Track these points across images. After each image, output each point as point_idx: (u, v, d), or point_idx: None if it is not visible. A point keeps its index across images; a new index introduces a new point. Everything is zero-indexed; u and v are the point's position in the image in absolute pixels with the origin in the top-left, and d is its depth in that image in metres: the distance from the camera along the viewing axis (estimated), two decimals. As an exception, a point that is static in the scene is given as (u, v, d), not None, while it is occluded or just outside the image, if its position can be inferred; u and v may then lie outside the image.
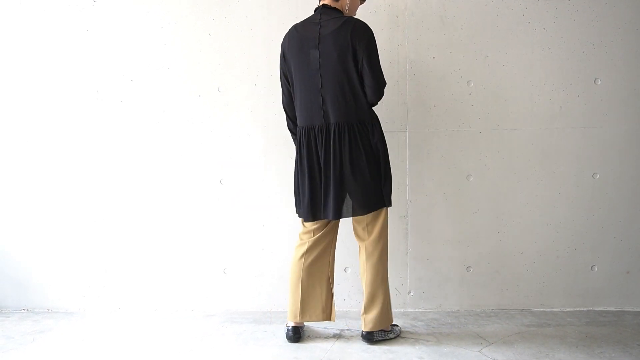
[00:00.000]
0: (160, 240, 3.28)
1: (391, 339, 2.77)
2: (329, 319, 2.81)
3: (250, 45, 3.21)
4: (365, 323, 2.73)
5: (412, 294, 3.26)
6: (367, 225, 2.73)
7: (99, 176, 3.27)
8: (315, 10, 2.73)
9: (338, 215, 2.65)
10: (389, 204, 2.71)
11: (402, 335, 2.85)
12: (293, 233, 3.20)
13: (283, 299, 3.25)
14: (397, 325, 2.86)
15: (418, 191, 3.22)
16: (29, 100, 3.26)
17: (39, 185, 3.28)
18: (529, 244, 3.24)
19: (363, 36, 2.58)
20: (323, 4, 2.71)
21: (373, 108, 2.70)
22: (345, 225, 2.98)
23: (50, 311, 3.31)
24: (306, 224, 2.78)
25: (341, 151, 2.61)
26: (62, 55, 3.25)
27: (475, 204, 3.23)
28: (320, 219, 2.70)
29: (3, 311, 3.32)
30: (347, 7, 2.72)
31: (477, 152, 3.21)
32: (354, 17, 2.73)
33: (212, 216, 3.27)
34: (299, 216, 2.75)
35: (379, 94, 2.64)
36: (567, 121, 3.19)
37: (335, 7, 2.70)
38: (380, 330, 2.73)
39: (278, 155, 3.22)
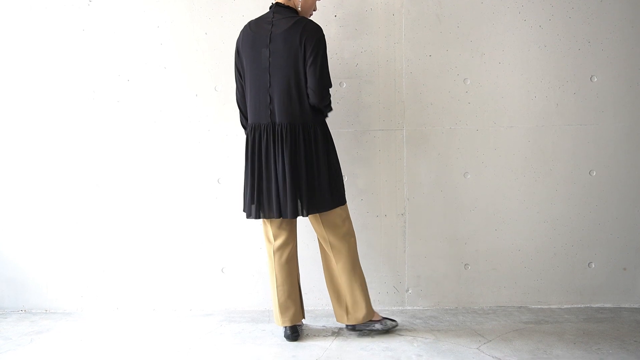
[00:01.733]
0: (158, 239, 3.28)
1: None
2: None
3: (246, 44, 3.20)
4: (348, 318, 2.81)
5: (410, 291, 3.27)
6: (324, 226, 2.75)
7: (96, 176, 3.27)
8: (269, 8, 2.72)
9: (279, 214, 2.65)
10: (338, 204, 2.70)
11: (400, 332, 2.86)
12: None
13: (281, 298, 3.25)
14: (389, 320, 2.87)
15: (415, 189, 3.23)
16: (26, 100, 3.25)
17: (35, 185, 3.28)
18: (526, 241, 3.25)
19: (313, 37, 2.58)
20: (277, 2, 2.71)
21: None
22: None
23: (48, 312, 3.31)
24: (267, 222, 2.78)
25: (282, 151, 2.62)
26: (59, 55, 3.24)
27: (473, 201, 3.24)
28: (265, 217, 2.70)
29: (0, 312, 3.32)
30: (299, 7, 2.71)
31: (474, 150, 3.22)
32: (307, 17, 2.74)
33: (210, 215, 3.26)
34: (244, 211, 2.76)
35: (320, 97, 2.60)
36: (563, 118, 3.20)
37: (288, 6, 2.69)
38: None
39: (275, 154, 3.22)
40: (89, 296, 3.31)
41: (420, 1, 3.17)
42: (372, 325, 2.82)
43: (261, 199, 2.68)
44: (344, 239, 2.75)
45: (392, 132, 3.21)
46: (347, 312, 2.79)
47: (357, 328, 2.83)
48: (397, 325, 2.87)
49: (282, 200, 2.63)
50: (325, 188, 2.67)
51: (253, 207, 2.69)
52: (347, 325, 2.85)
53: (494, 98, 3.20)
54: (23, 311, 3.33)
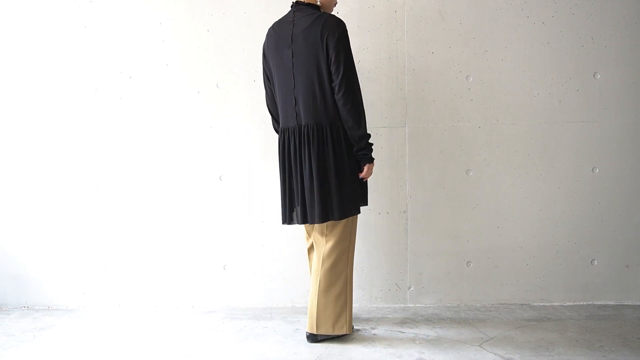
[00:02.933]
0: (160, 236, 3.28)
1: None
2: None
3: (248, 41, 3.20)
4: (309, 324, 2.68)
5: (412, 289, 3.27)
6: (324, 234, 2.66)
7: (98, 173, 3.27)
8: (290, 7, 2.66)
9: (304, 220, 2.59)
10: (353, 213, 2.61)
11: (402, 330, 2.86)
12: (293, 229, 3.21)
13: (283, 295, 3.26)
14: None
15: (418, 186, 3.22)
16: (28, 97, 3.26)
17: (37, 182, 3.28)
18: (529, 239, 3.24)
19: (334, 31, 2.47)
20: (297, 1, 2.63)
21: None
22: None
23: (50, 308, 3.31)
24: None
25: (309, 154, 2.53)
26: (61, 52, 3.24)
27: (475, 198, 3.23)
28: (292, 222, 2.64)
29: (3, 309, 3.32)
30: (318, 1, 2.62)
31: (476, 147, 3.21)
32: (329, 12, 2.63)
33: (212, 213, 3.26)
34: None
35: (346, 96, 2.48)
36: (566, 115, 3.19)
37: (309, 3, 2.61)
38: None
39: (277, 151, 3.20)
40: (91, 293, 3.32)
41: (422, -2, 3.17)
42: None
43: (292, 204, 2.62)
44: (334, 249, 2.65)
45: (394, 130, 3.20)
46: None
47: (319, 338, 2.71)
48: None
49: (309, 205, 2.55)
50: (354, 191, 2.59)
51: (286, 212, 2.63)
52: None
53: (497, 95, 3.19)
54: (26, 308, 3.33)
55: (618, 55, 3.16)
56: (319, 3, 2.62)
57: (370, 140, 2.66)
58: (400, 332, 2.84)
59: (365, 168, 2.60)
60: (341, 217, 2.56)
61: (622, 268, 3.24)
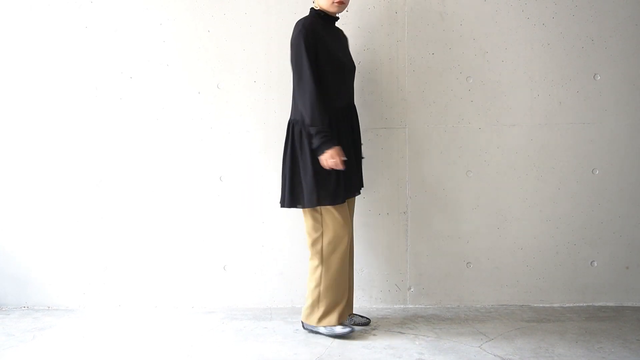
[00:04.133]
0: (160, 237, 3.28)
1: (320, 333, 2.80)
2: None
3: (249, 42, 3.20)
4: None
5: (412, 290, 3.27)
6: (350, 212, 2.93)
7: (98, 173, 3.27)
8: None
9: (358, 189, 2.93)
10: (304, 205, 2.70)
11: (402, 331, 2.86)
12: (293, 230, 3.21)
13: (283, 296, 3.26)
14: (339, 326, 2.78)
15: (418, 187, 3.22)
16: (28, 97, 3.26)
17: (38, 182, 3.28)
18: (529, 240, 3.24)
19: (293, 33, 2.68)
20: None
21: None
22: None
23: (50, 308, 3.31)
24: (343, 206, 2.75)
25: (283, 150, 2.81)
26: (61, 52, 3.24)
27: (475, 200, 3.23)
28: (349, 196, 2.86)
29: (3, 309, 3.32)
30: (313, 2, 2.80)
31: (476, 148, 3.21)
32: (325, 9, 2.72)
33: (212, 213, 3.27)
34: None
35: (296, 95, 2.69)
36: (566, 117, 3.19)
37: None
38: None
39: (278, 151, 3.19)
40: (91, 293, 3.32)
41: (423, -1, 3.17)
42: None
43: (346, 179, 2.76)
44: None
45: (394, 131, 3.20)
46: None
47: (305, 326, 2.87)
48: (346, 334, 2.77)
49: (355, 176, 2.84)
50: (307, 183, 2.71)
51: (339, 190, 2.69)
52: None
53: (497, 96, 3.19)
54: (26, 308, 3.33)
55: (618, 56, 3.17)
56: (313, 4, 2.77)
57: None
58: (400, 332, 2.84)
59: (320, 159, 2.63)
60: (290, 205, 2.76)
61: (622, 269, 3.24)
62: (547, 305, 3.25)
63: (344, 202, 2.73)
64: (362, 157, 2.95)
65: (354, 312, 2.99)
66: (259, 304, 3.28)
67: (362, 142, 2.98)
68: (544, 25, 3.17)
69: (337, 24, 2.86)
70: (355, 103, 2.92)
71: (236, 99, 3.23)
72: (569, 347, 2.62)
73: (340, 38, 2.89)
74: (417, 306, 3.27)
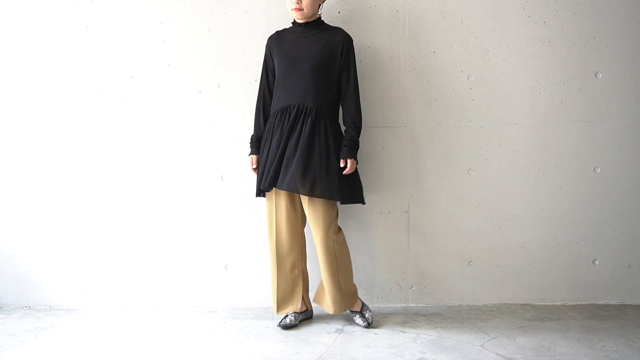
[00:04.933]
0: (162, 236, 3.28)
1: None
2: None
3: (250, 41, 3.20)
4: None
5: (414, 288, 3.26)
6: None
7: (99, 173, 3.27)
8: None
9: None
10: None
11: (404, 329, 2.86)
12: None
13: (284, 295, 3.25)
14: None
15: (419, 186, 3.22)
16: (29, 97, 3.25)
17: (39, 182, 3.28)
18: (530, 238, 3.24)
19: None
20: None
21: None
22: (352, 220, 3.00)
23: (52, 308, 3.31)
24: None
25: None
26: (62, 52, 3.24)
27: (477, 198, 3.23)
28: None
29: (5, 309, 3.32)
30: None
31: (478, 147, 3.21)
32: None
33: (214, 212, 3.26)
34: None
35: None
36: (568, 115, 3.19)
37: None
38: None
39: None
40: (93, 293, 3.32)
41: (424, -3, 3.17)
42: None
43: None
44: None
45: (395, 129, 3.20)
46: None
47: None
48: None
49: None
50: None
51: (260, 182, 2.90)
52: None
53: (498, 95, 3.19)
54: (27, 307, 3.33)
55: (620, 55, 3.16)
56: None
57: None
58: (402, 331, 2.84)
59: None
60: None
61: (624, 268, 3.24)
62: (549, 303, 3.25)
63: (261, 195, 2.92)
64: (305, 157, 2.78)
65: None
66: (260, 303, 3.28)
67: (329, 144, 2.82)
68: (545, 23, 3.16)
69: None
70: (317, 103, 2.82)
71: (237, 98, 3.22)
72: (571, 346, 2.62)
73: (317, 41, 2.86)
74: (418, 305, 3.27)
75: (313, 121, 2.79)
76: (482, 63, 3.18)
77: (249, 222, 3.26)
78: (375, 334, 2.82)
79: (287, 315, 2.94)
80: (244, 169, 3.22)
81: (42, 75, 3.25)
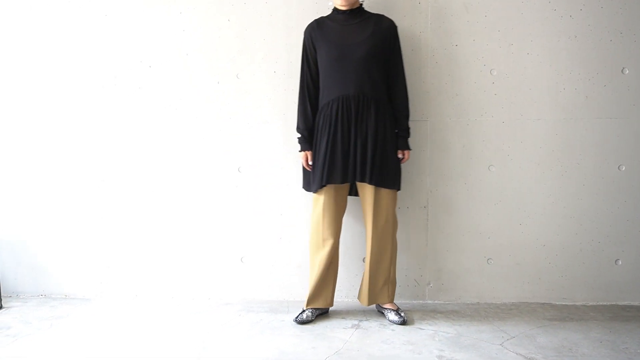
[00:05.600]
0: (178, 227, 3.26)
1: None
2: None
3: (269, 32, 3.16)
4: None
5: (431, 285, 3.22)
6: None
7: (117, 163, 3.25)
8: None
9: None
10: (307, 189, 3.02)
11: (421, 326, 2.81)
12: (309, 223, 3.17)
13: (300, 289, 3.22)
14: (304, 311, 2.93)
15: (438, 181, 3.16)
16: (48, 87, 3.24)
17: (56, 172, 3.27)
18: (552, 236, 3.17)
19: None
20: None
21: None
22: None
23: (67, 297, 3.31)
24: None
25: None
26: (81, 41, 3.22)
27: (497, 194, 3.17)
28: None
29: (21, 297, 3.32)
30: None
31: (499, 142, 3.15)
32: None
33: (230, 204, 3.24)
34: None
35: None
36: (592, 111, 3.12)
37: None
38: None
39: (297, 143, 3.16)
40: (108, 283, 3.31)
41: (447, -11, 3.11)
42: None
43: None
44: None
45: (416, 123, 3.13)
46: None
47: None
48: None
49: None
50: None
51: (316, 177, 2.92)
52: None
53: (521, 89, 3.12)
54: (43, 296, 3.33)
55: (647, 50, 3.08)
56: None
57: (298, 135, 2.97)
58: (419, 328, 2.80)
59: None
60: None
61: (648, 268, 3.17)
62: (570, 303, 3.18)
63: (317, 190, 2.87)
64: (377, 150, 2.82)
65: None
66: (276, 296, 3.25)
67: (387, 134, 2.85)
68: (571, 17, 3.09)
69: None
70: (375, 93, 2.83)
71: (256, 89, 3.19)
72: (594, 347, 2.56)
73: (364, 28, 2.84)
74: (435, 302, 3.22)
75: (376, 110, 2.80)
76: (506, 57, 3.11)
77: (266, 214, 3.23)
78: (393, 330, 2.78)
79: (304, 311, 2.91)
80: (260, 161, 3.20)
81: (62, 64, 3.23)
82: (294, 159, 3.18)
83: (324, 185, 2.82)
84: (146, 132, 3.24)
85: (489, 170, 3.16)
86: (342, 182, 2.82)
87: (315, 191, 2.88)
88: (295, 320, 2.87)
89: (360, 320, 2.90)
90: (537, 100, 3.12)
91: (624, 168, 3.13)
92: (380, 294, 2.94)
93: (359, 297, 3.02)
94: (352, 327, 2.82)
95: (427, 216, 3.19)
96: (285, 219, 3.22)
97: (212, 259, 3.26)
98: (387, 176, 2.82)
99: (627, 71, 3.09)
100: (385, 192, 2.85)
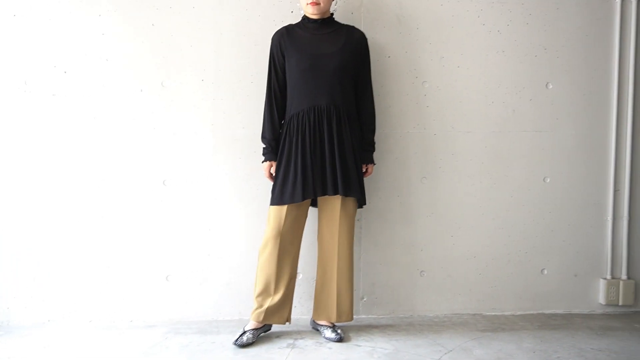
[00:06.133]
0: (96, 245, 3.02)
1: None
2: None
3: (197, 38, 3.01)
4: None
5: (365, 299, 3.16)
6: None
7: (27, 176, 2.98)
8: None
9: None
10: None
11: (358, 343, 2.74)
12: (242, 237, 3.06)
13: (230, 307, 3.08)
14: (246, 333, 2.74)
15: (372, 194, 3.11)
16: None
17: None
18: (482, 248, 3.21)
19: None
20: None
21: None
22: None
23: (-31, 325, 2.98)
24: None
25: None
26: (-14, 42, 2.93)
27: (429, 207, 3.17)
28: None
29: None
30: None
31: (431, 154, 3.15)
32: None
33: (154, 219, 3.04)
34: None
35: None
36: (519, 124, 3.19)
37: None
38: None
39: (226, 154, 3.04)
40: (17, 307, 3.01)
41: (379, 1, 3.08)
42: None
43: None
44: None
45: (349, 135, 3.09)
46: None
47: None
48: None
49: None
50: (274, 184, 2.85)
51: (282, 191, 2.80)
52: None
53: (453, 102, 3.15)
54: (-61, 325, 2.98)
55: (569, 66, 3.19)
56: None
57: (263, 145, 2.84)
58: (356, 345, 2.73)
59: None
60: None
61: (571, 277, 3.27)
62: (499, 313, 3.23)
63: (284, 204, 2.72)
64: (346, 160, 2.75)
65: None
66: (204, 316, 3.08)
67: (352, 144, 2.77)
68: (499, 32, 3.15)
69: (289, 22, 2.84)
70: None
71: (182, 98, 3.02)
72: (528, 358, 2.59)
73: (336, 39, 2.78)
74: (369, 316, 3.16)
75: (348, 122, 2.74)
76: (437, 70, 3.13)
77: (193, 230, 3.06)
78: (329, 348, 2.69)
79: (244, 333, 2.72)
80: (187, 174, 3.03)
81: (-37, 66, 2.93)
82: (223, 172, 3.04)
83: (301, 200, 2.70)
84: (61, 143, 2.98)
85: (422, 182, 3.16)
86: (317, 196, 2.73)
87: (278, 204, 2.72)
88: (235, 343, 2.68)
89: (295, 339, 2.79)
90: (467, 113, 3.16)
91: (548, 180, 3.22)
92: (348, 309, 2.85)
93: (317, 317, 2.88)
94: (287, 346, 2.70)
95: (360, 229, 3.14)
96: (214, 235, 3.07)
97: (134, 278, 3.05)
98: (356, 189, 2.77)
99: (551, 86, 3.19)
100: (351, 207, 2.81)
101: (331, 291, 2.82)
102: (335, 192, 2.71)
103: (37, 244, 3.00)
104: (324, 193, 2.73)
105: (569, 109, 3.21)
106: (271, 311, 2.74)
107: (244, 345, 2.67)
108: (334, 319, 2.83)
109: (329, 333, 2.79)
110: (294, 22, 2.88)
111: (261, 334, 2.79)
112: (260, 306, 2.74)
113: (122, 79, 3.00)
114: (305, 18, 2.81)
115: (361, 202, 2.84)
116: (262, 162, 2.83)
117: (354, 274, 2.89)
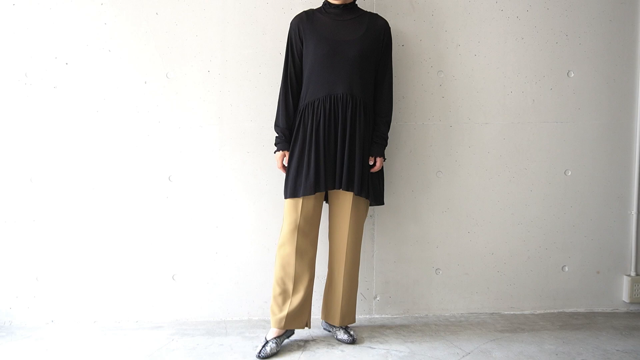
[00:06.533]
0: (101, 243, 2.92)
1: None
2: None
3: (203, 28, 2.89)
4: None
5: (378, 298, 3.05)
6: None
7: (29, 172, 2.88)
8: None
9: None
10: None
11: (372, 345, 2.63)
12: (251, 234, 2.95)
13: (239, 307, 2.98)
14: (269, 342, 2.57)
15: (385, 189, 2.98)
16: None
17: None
18: (500, 244, 3.08)
19: None
20: None
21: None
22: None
23: (-30, 326, 2.90)
24: None
25: None
26: (-16, 33, 2.83)
27: (445, 202, 3.04)
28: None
29: None
30: None
31: (447, 147, 3.02)
32: None
33: (160, 217, 2.94)
34: None
35: None
36: (539, 115, 3.05)
37: None
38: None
39: (234, 148, 2.92)
40: (19, 307, 2.92)
41: (392, -14, 2.95)
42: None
43: None
44: None
45: (361, 127, 2.96)
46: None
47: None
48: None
49: None
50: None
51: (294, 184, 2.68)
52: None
53: (469, 92, 3.01)
54: (-59, 326, 2.90)
55: (592, 53, 3.05)
56: None
57: (276, 134, 2.69)
58: (370, 347, 2.62)
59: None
60: None
61: (593, 274, 3.14)
62: (518, 312, 3.10)
63: (298, 197, 2.58)
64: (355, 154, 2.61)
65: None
66: (212, 316, 2.98)
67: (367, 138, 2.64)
68: (518, 18, 3.01)
69: (298, 8, 2.69)
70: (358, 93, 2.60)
71: (188, 91, 2.91)
72: (551, 361, 2.47)
73: (358, 25, 2.63)
74: (383, 316, 3.05)
75: (360, 114, 2.59)
76: (453, 58, 3.00)
77: (200, 227, 2.95)
78: (342, 350, 2.58)
79: (267, 342, 2.56)
80: (194, 169, 2.92)
81: (-40, 58, 2.83)
82: (231, 167, 2.93)
83: (313, 193, 2.56)
84: (62, 138, 2.88)
85: (437, 176, 3.03)
86: (332, 189, 2.60)
87: (292, 197, 2.58)
88: (259, 355, 2.50)
89: (307, 341, 2.69)
90: (485, 104, 3.02)
91: (570, 173, 3.08)
92: (352, 312, 2.74)
93: (325, 317, 2.77)
94: (298, 349, 2.60)
95: (373, 226, 3.02)
96: (222, 232, 2.96)
97: (140, 277, 2.95)
98: (366, 187, 2.62)
99: (573, 74, 3.05)
100: (363, 204, 2.68)
101: (337, 294, 2.70)
102: (347, 188, 2.57)
103: (39, 242, 2.91)
104: (337, 187, 2.58)
105: (592, 98, 3.06)
106: (292, 316, 2.58)
107: (268, 357, 2.50)
108: (337, 322, 2.71)
109: (341, 334, 2.68)
110: (304, 9, 2.75)
111: (285, 341, 2.64)
112: (281, 311, 2.59)
113: (125, 70, 2.89)
114: (326, 3, 2.67)
115: (378, 201, 2.72)
116: (275, 152, 2.68)
117: (359, 273, 2.77)
